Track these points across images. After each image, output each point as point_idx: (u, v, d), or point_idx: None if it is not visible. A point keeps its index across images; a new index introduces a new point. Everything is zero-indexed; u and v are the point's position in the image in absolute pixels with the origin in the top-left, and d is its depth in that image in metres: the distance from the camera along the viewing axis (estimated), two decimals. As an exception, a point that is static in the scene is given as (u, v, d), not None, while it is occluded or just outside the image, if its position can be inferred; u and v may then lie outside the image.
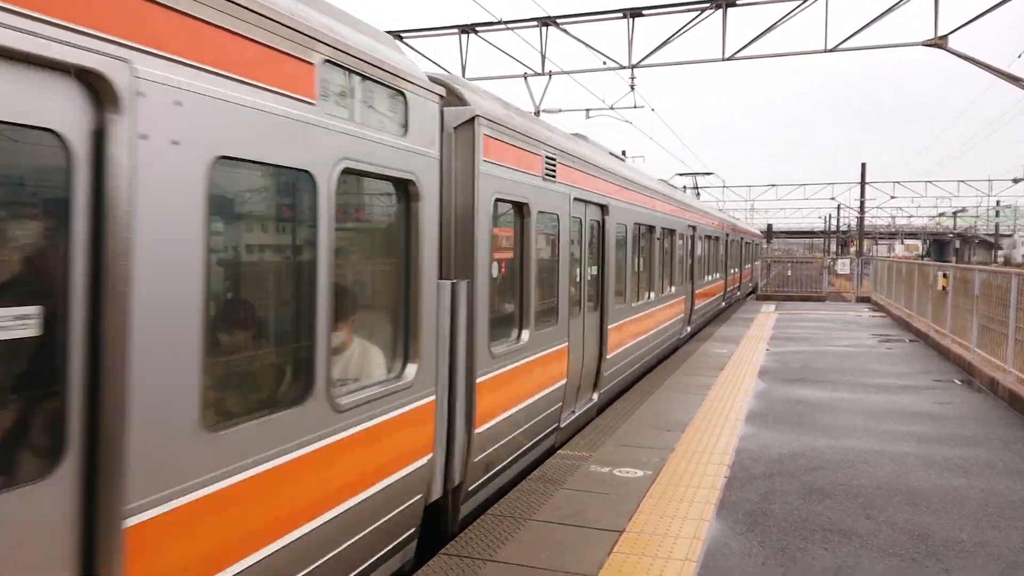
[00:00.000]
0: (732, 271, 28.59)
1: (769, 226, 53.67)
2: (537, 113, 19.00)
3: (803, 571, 5.25)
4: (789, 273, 37.74)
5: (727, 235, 25.86)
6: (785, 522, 6.15)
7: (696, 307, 18.07)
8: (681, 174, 34.65)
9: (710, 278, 20.95)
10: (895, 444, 8.60)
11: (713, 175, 34.25)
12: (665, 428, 9.10)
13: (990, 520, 6.28)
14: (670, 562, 5.30)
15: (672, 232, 14.62)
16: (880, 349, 16.90)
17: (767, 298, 34.27)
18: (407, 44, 18.96)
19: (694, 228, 17.74)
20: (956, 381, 12.83)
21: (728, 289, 26.19)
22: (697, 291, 18.19)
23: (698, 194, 34.02)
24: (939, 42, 15.60)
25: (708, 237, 20.59)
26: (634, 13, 17.44)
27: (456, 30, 18.98)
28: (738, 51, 17.61)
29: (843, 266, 40.55)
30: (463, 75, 17.82)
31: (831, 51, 17.06)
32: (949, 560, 5.48)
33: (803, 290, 35.31)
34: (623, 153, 24.67)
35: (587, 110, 23.54)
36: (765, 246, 57.55)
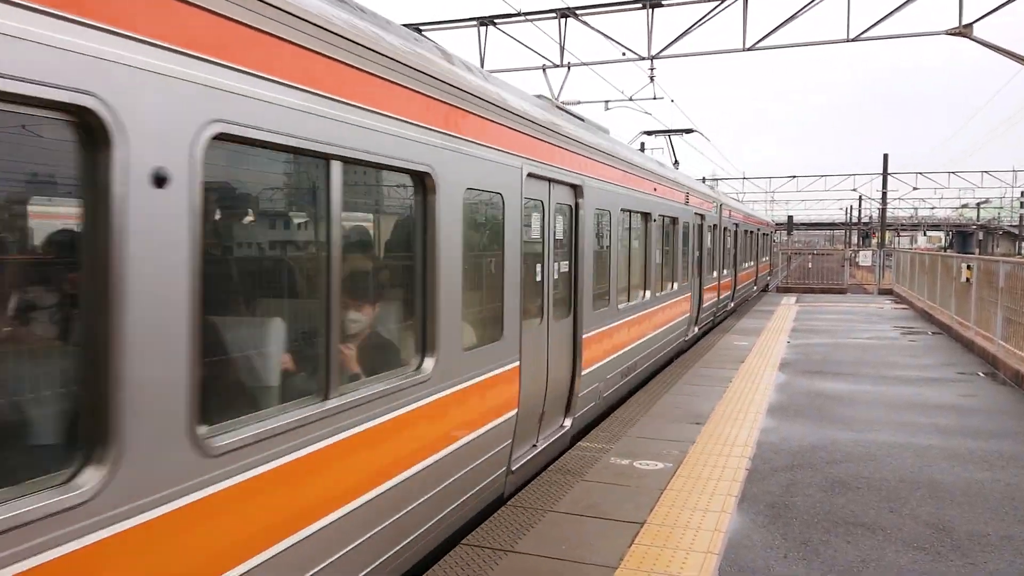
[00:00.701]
0: (719, 275, 19.34)
1: (790, 218, 53.20)
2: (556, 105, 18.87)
3: (826, 564, 5.22)
4: (810, 265, 37.44)
5: (702, 218, 16.60)
6: (807, 515, 6.12)
7: (603, 363, 9.08)
8: (648, 132, 22.19)
9: (648, 296, 11.45)
10: (918, 437, 8.53)
11: (696, 133, 21.95)
12: (685, 420, 9.07)
13: (1016, 514, 6.21)
14: (691, 554, 5.29)
15: (449, 196, 5.24)
16: (902, 341, 16.74)
17: (787, 290, 34.06)
18: (426, 37, 18.93)
19: (577, 189, 8.05)
20: (980, 374, 12.69)
21: (704, 305, 17.08)
22: (604, 329, 9.11)
23: (676, 163, 21.56)
24: (963, 31, 15.39)
25: (648, 217, 11.44)
26: (653, 3, 17.33)
27: (475, 22, 18.96)
28: (759, 41, 17.47)
29: (865, 258, 40.20)
30: (482, 67, 17.78)
31: (853, 40, 16.89)
32: (974, 554, 5.43)
33: (824, 282, 35.06)
34: (641, 147, 24.36)
35: (606, 101, 23.37)
36: (785, 237, 56.86)
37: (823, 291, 33.29)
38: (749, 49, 17.51)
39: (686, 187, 14.84)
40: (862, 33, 16.72)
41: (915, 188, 64.27)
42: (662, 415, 9.32)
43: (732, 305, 22.60)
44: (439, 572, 4.99)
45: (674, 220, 13.50)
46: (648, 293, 11.44)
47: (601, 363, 8.91)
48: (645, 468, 7.21)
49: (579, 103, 22.51)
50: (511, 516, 5.93)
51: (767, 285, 35.18)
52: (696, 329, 16.22)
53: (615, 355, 9.53)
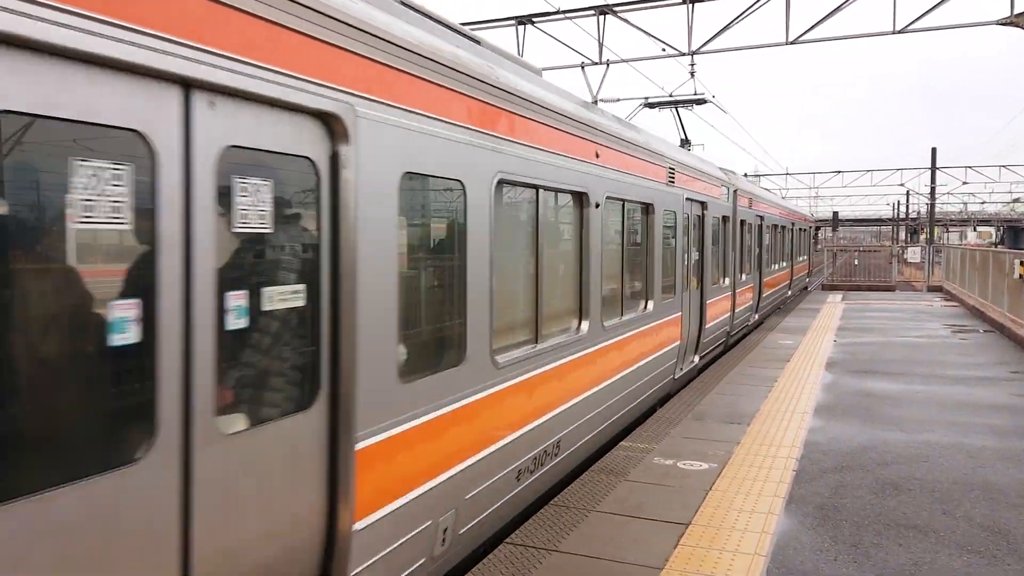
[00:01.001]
0: (734, 282, 15.01)
1: (835, 214, 52.27)
2: (595, 102, 18.78)
3: (877, 567, 5.11)
4: (856, 262, 36.75)
5: (703, 207, 12.26)
6: (857, 517, 6.00)
7: (448, 477, 4.76)
8: (650, 104, 17.62)
9: (586, 329, 7.13)
10: (971, 437, 8.31)
11: (710, 103, 17.62)
12: (730, 420, 8.96)
13: (1076, 517, 6.01)
14: (738, 556, 5.22)
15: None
16: (953, 340, 16.34)
17: (833, 288, 33.48)
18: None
19: (334, 126, 3.71)
20: (1036, 373, 12.33)
21: (709, 325, 12.68)
22: (449, 412, 4.74)
23: (687, 141, 17.67)
24: (1015, 20, 14.97)
25: (583, 200, 7.16)
26: (694, -1, 17.15)
27: (513, 21, 18.97)
28: (802, 34, 17.20)
29: (913, 254, 39.34)
30: (521, 66, 17.70)
31: (899, 32, 16.53)
32: (1032, 558, 5.27)
33: (871, 279, 34.37)
34: (680, 143, 24.09)
35: (645, 98, 23.21)
36: (830, 234, 55.85)
37: (870, 288, 32.64)
38: (792, 43, 17.25)
39: (669, 159, 10.10)
40: (909, 24, 16.36)
41: (964, 183, 62.71)
42: (706, 415, 9.21)
43: (756, 317, 18.44)
44: (483, 570, 5.00)
45: (646, 207, 9.24)
46: (585, 325, 7.06)
47: (440, 481, 4.61)
48: (689, 468, 7.13)
49: (619, 100, 22.40)
50: (554, 515, 5.91)
51: (805, 287, 32.54)
52: (696, 359, 11.98)
53: (490, 451, 5.22)
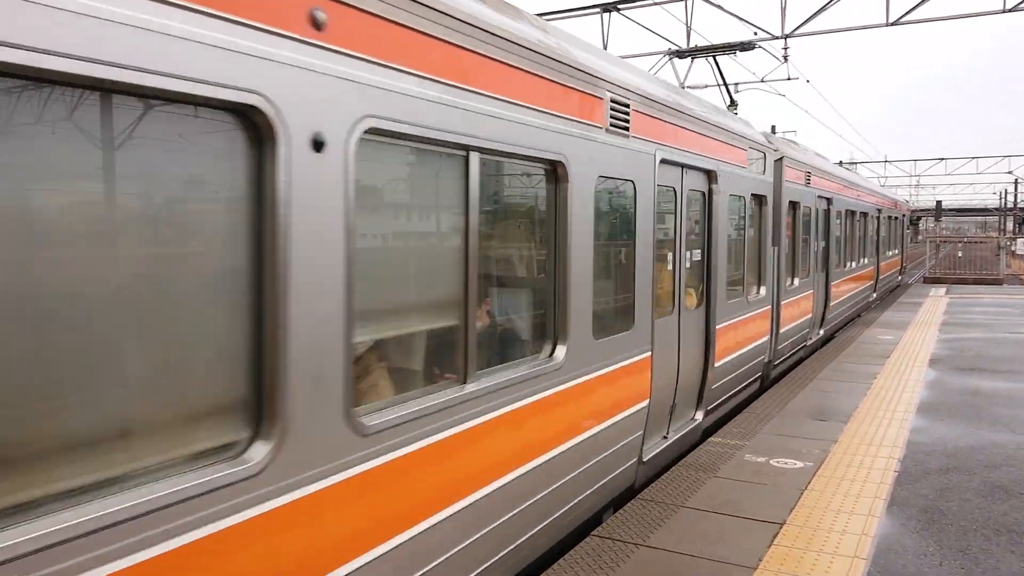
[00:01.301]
0: (776, 292, 10.84)
1: (938, 203, 49.94)
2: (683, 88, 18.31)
3: (987, 574, 4.82)
4: (960, 254, 35.00)
5: (710, 179, 7.95)
6: (964, 521, 5.68)
7: None
8: (679, 54, 15.15)
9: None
10: (1092, 441, 7.77)
11: (757, 49, 14.35)
12: (826, 418, 8.64)
13: None
14: (836, 558, 5.01)
15: None
16: (1069, 336, 15.36)
17: (936, 281, 31.99)
18: (550, 27, 18.86)
19: None
20: None
21: (725, 360, 8.54)
22: None
23: (733, 105, 12.83)
24: None
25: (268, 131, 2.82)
26: (788, -19, 16.59)
27: (598, 9, 18.74)
28: (904, 15, 16.41)
29: (1023, 246, 37.17)
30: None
31: (1011, 11, 15.57)
32: None
33: (976, 272, 32.69)
34: (772, 129, 23.38)
35: (735, 84, 22.62)
36: (932, 224, 53.43)
37: (976, 282, 31.05)
38: (894, 24, 16.48)
39: (608, 82, 5.60)
40: (1021, 3, 15.38)
41: (1081, 169, 58.87)
42: (800, 412, 8.91)
43: (822, 333, 14.30)
44: (571, 562, 4.95)
45: (553, 169, 4.98)
46: (350, 431, 3.24)
47: None
48: (783, 466, 6.90)
49: (706, 87, 21.91)
50: (642, 510, 5.81)
51: (898, 286, 28.84)
52: (699, 417, 8.00)
53: None
